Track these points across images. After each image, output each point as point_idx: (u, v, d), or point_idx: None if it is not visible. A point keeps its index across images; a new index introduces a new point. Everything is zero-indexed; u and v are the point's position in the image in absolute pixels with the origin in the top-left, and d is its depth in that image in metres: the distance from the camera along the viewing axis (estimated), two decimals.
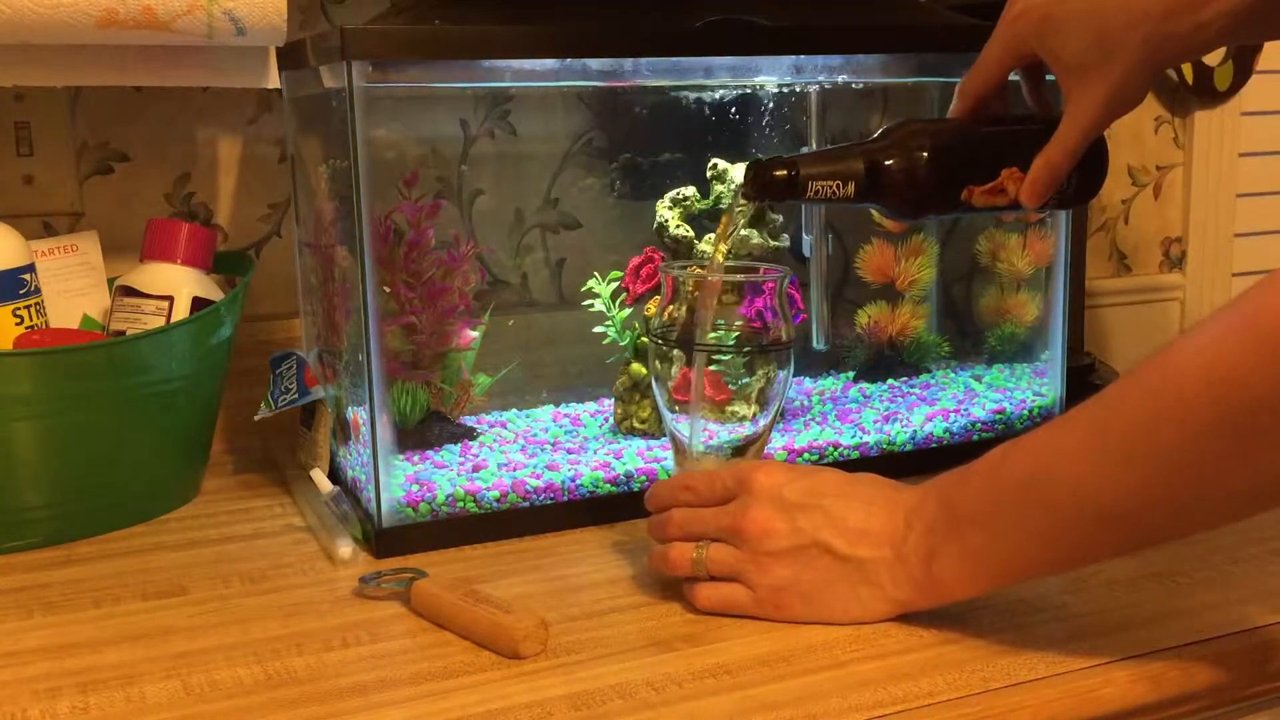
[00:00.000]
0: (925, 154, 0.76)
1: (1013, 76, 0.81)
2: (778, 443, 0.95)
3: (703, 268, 0.81)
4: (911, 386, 1.10)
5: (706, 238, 0.99)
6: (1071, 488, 0.62)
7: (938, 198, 0.77)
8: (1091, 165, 0.78)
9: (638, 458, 0.93)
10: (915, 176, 0.76)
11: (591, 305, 1.00)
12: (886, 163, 0.76)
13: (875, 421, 1.01)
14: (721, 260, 0.77)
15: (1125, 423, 0.60)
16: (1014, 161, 0.77)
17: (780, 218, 1.02)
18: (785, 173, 0.76)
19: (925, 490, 0.69)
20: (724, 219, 0.80)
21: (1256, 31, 0.73)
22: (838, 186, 0.76)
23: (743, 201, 0.78)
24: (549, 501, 0.88)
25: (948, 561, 0.67)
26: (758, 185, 0.76)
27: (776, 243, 1.01)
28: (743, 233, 0.99)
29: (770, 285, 0.79)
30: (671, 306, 0.81)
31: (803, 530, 0.69)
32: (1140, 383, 0.60)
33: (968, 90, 0.79)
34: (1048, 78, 0.78)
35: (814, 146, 1.08)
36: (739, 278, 0.81)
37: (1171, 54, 0.72)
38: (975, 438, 1.02)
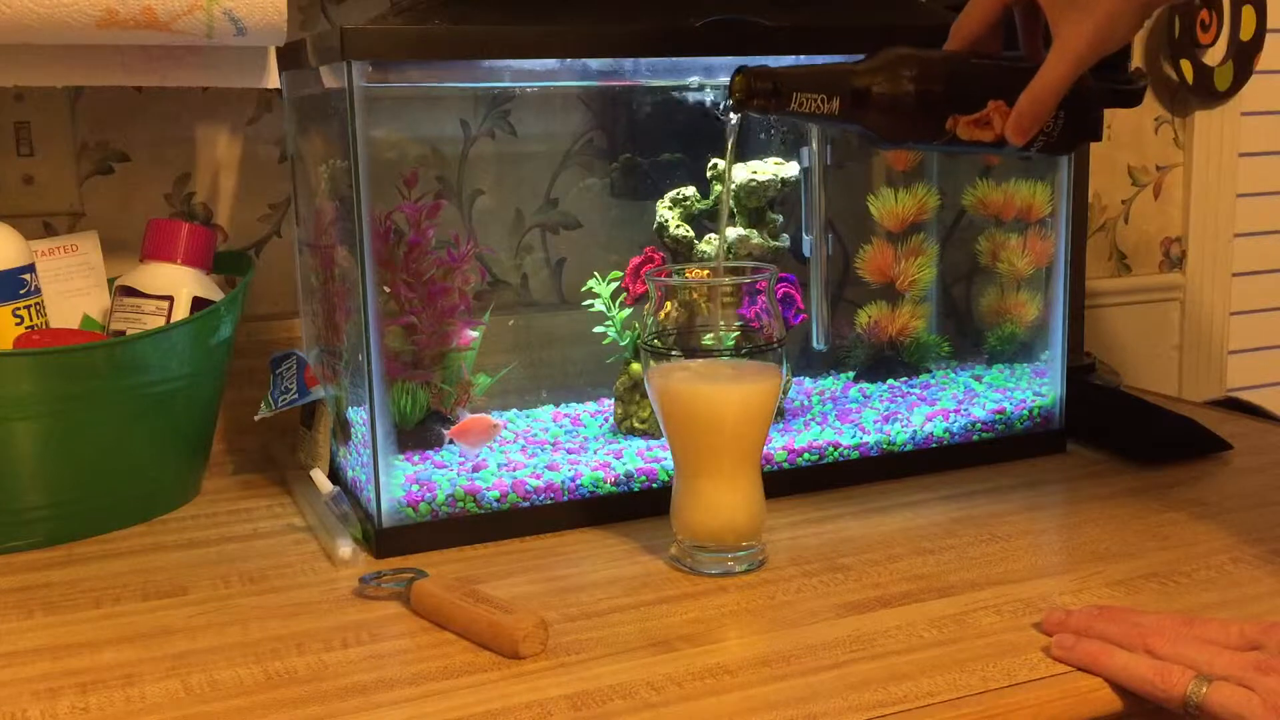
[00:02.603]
0: (912, 75, 0.75)
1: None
2: (778, 442, 0.95)
3: (696, 271, 0.81)
4: (911, 386, 1.10)
5: (706, 238, 0.99)
6: None
7: (922, 122, 0.77)
8: (1078, 107, 0.77)
9: (638, 458, 0.93)
10: (901, 97, 0.75)
11: (591, 305, 1.00)
12: (873, 81, 0.75)
13: (875, 421, 1.01)
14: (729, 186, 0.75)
15: None
16: (1002, 95, 0.76)
17: (780, 218, 1.02)
18: (770, 82, 0.75)
19: None
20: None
21: None
22: (822, 101, 0.75)
23: (733, 117, 0.77)
24: (549, 501, 0.88)
25: None
26: (743, 94, 0.76)
27: (776, 243, 1.01)
28: (743, 232, 0.99)
29: (763, 284, 0.79)
30: (670, 306, 0.81)
31: None
32: None
33: (961, 29, 0.79)
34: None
35: (815, 148, 1.07)
36: (726, 280, 0.81)
37: None
38: (975, 438, 1.02)
